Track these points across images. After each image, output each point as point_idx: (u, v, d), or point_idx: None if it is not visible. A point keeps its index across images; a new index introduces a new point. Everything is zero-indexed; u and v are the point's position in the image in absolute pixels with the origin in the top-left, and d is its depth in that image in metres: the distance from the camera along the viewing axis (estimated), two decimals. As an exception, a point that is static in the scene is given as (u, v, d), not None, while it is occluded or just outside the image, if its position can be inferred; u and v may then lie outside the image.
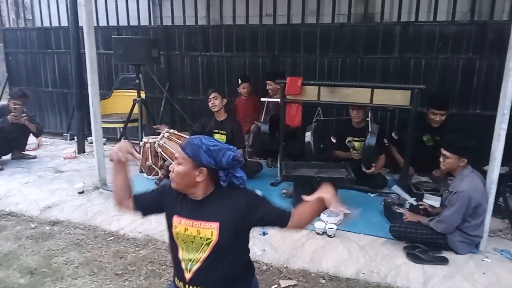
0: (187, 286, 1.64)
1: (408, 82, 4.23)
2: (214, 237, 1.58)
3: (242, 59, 5.22)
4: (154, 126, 4.45)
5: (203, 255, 1.61)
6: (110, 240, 2.99)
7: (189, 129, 4.50)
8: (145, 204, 1.76)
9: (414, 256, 2.66)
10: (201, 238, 1.60)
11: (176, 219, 1.64)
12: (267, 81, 4.56)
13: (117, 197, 1.78)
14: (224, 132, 4.20)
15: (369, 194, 3.80)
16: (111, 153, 1.72)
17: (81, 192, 3.80)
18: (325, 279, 2.50)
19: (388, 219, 3.14)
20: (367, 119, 3.68)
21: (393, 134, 4.11)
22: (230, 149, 1.58)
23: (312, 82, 3.77)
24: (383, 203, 3.43)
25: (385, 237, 2.92)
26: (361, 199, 3.70)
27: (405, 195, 3.19)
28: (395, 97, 3.46)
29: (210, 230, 1.59)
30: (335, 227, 2.97)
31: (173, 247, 1.68)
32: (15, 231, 3.13)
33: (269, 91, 4.55)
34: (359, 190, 3.83)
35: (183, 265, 1.64)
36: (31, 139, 5.06)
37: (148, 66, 5.29)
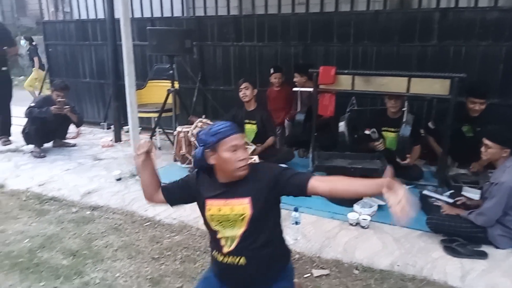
0: (226, 256, 1.70)
1: (447, 71, 4.03)
2: (248, 211, 1.65)
3: (274, 49, 5.19)
4: (189, 118, 4.53)
5: (240, 230, 1.67)
6: (146, 225, 3.09)
7: (221, 119, 4.53)
8: (173, 196, 1.84)
9: (451, 249, 2.59)
10: (235, 215, 1.66)
11: (208, 202, 1.71)
12: (295, 73, 4.53)
13: (147, 193, 1.88)
14: (255, 122, 4.22)
15: (404, 185, 3.71)
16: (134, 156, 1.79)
17: (119, 179, 3.93)
18: (358, 270, 2.49)
19: (425, 212, 3.06)
20: (403, 109, 3.58)
21: (429, 124, 3.99)
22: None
23: (346, 71, 3.71)
24: (419, 195, 3.35)
25: (421, 229, 2.85)
26: (396, 191, 3.62)
27: (438, 196, 3.11)
28: (434, 86, 3.35)
29: (242, 206, 1.65)
30: (369, 218, 2.93)
31: (210, 230, 1.74)
32: (57, 215, 3.28)
33: (296, 83, 4.52)
34: (394, 181, 3.75)
35: (222, 242, 1.70)
36: (71, 127, 5.27)
37: (181, 56, 5.36)
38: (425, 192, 3.22)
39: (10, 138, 5.28)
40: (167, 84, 4.99)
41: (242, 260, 1.69)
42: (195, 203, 1.80)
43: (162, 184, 1.86)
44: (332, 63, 4.65)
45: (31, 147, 4.78)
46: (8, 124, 5.28)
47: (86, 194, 3.65)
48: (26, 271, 2.47)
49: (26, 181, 3.97)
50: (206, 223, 1.77)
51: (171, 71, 4.74)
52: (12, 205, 3.46)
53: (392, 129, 3.80)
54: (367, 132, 3.97)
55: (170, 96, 4.77)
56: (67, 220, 3.18)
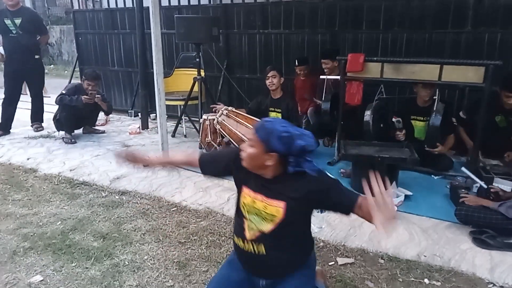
0: (246, 241, 1.72)
1: (481, 59, 3.91)
2: (280, 215, 1.63)
3: (301, 36, 5.12)
4: (211, 106, 4.54)
5: (266, 228, 1.67)
6: (173, 210, 3.15)
7: (246, 107, 4.55)
8: (209, 168, 1.85)
9: (481, 241, 2.52)
10: (267, 213, 1.65)
11: (245, 190, 1.70)
12: (323, 60, 4.45)
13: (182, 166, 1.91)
14: (280, 110, 4.20)
15: (432, 176, 3.64)
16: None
17: (146, 165, 3.99)
18: (383, 259, 2.47)
19: (454, 203, 2.98)
20: (434, 97, 3.49)
21: (461, 114, 3.87)
22: (301, 137, 1.54)
23: (375, 58, 3.63)
24: (448, 186, 3.28)
25: (450, 220, 2.78)
26: (424, 181, 3.55)
27: (475, 177, 3.02)
28: (467, 74, 3.24)
29: (276, 208, 1.63)
30: (395, 208, 2.88)
31: (239, 212, 1.75)
32: (88, 198, 3.39)
33: (325, 70, 4.44)
34: (422, 171, 3.67)
35: (246, 226, 1.71)
36: (100, 115, 5.39)
37: (207, 44, 5.38)
38: (463, 168, 3.13)
39: (43, 124, 5.46)
40: (193, 72, 5.02)
41: (262, 249, 1.69)
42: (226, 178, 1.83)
43: (200, 155, 1.86)
44: (360, 50, 4.55)
45: (62, 133, 4.94)
46: (41, 110, 5.45)
47: (115, 179, 3.74)
48: (59, 252, 2.58)
49: (58, 166, 4.11)
50: (238, 203, 1.78)
51: (197, 59, 4.77)
52: (45, 188, 3.59)
53: (421, 118, 3.71)
54: (394, 120, 3.90)
55: (196, 84, 4.81)
56: (97, 204, 3.28)
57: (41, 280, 2.29)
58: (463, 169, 3.08)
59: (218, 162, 1.83)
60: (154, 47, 3.74)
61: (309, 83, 4.77)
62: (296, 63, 4.76)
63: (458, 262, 2.39)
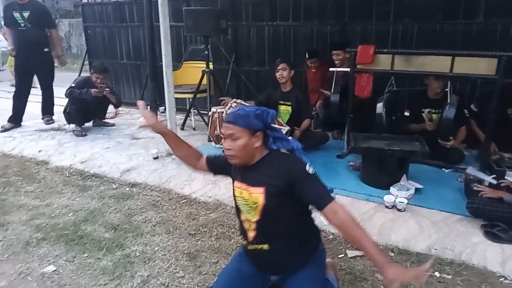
0: (250, 243, 1.77)
1: (493, 50, 3.85)
2: (261, 201, 1.67)
3: (310, 28, 5.09)
4: (220, 98, 4.54)
5: (255, 218, 1.72)
6: (183, 202, 3.17)
7: (254, 99, 4.54)
8: (217, 166, 1.90)
9: (492, 234, 2.50)
10: (252, 201, 1.70)
11: (235, 183, 1.78)
12: (333, 51, 4.41)
13: (189, 163, 1.96)
14: (290, 103, 4.17)
15: (443, 169, 3.61)
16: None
17: (156, 158, 4.03)
18: (394, 252, 2.46)
19: (468, 196, 2.95)
20: (446, 89, 3.45)
21: (472, 106, 3.82)
22: (264, 110, 1.69)
23: (386, 50, 3.59)
24: (460, 180, 3.25)
25: (461, 214, 2.76)
26: (434, 174, 3.52)
27: (482, 175, 2.99)
28: (479, 66, 3.19)
29: (257, 195, 1.68)
30: (405, 201, 2.87)
31: (237, 209, 1.82)
32: (99, 190, 3.43)
33: (336, 61, 4.40)
34: (432, 164, 3.64)
35: (245, 225, 1.77)
36: (110, 108, 5.42)
37: (216, 37, 5.36)
38: (468, 170, 3.11)
39: (53, 117, 5.50)
40: (201, 65, 5.02)
41: (266, 247, 1.73)
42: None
43: (207, 155, 1.92)
44: (370, 42, 4.50)
45: (72, 126, 4.98)
46: (51, 103, 5.50)
47: (125, 171, 3.77)
48: (71, 243, 2.61)
49: (69, 158, 4.15)
50: (234, 200, 1.83)
51: (206, 52, 4.76)
52: (57, 180, 3.64)
53: (433, 111, 3.67)
54: (406, 113, 3.86)
55: (205, 77, 4.80)
56: (108, 196, 3.31)
57: (54, 270, 2.33)
58: (470, 168, 3.05)
59: (223, 161, 1.85)
60: (163, 40, 3.75)
61: (320, 74, 4.74)
62: (307, 55, 4.73)
63: (469, 256, 2.38)
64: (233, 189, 1.79)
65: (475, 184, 2.94)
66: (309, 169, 1.62)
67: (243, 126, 1.62)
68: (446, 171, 3.58)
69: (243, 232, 1.81)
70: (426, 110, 3.65)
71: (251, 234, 1.75)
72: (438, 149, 3.54)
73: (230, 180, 1.83)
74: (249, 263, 1.87)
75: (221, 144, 4.29)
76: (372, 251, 1.47)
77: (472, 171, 3.10)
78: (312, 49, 4.85)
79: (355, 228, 1.51)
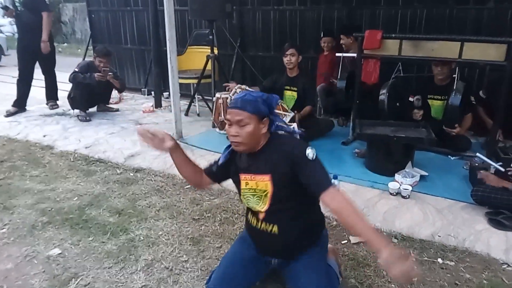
0: (260, 222, 1.78)
1: (504, 36, 3.78)
2: (269, 188, 1.66)
3: (317, 12, 5.01)
4: (224, 84, 4.50)
5: (265, 206, 1.70)
6: (187, 188, 3.18)
7: (259, 85, 4.50)
8: (217, 176, 1.90)
9: (497, 222, 2.48)
10: (260, 190, 1.69)
11: (240, 176, 1.75)
12: (341, 36, 4.35)
13: (194, 183, 1.97)
14: (295, 89, 4.12)
15: (449, 156, 3.57)
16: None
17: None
18: (397, 239, 2.46)
19: (473, 184, 2.93)
20: (454, 75, 3.39)
21: (480, 93, 3.77)
22: (271, 94, 1.71)
23: (393, 35, 3.53)
24: (465, 167, 3.22)
25: (465, 201, 2.74)
26: (440, 161, 3.49)
27: (490, 161, 2.96)
28: (488, 52, 3.13)
29: (264, 182, 1.67)
30: (410, 188, 2.85)
31: (242, 201, 1.82)
32: (103, 175, 3.44)
33: (343, 46, 4.34)
34: (439, 152, 3.61)
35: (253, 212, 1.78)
36: (114, 93, 5.41)
37: (220, 21, 5.30)
38: (478, 155, 3.08)
39: (58, 102, 5.51)
40: (206, 50, 4.98)
41: (275, 229, 1.73)
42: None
43: (204, 168, 1.90)
44: (378, 27, 4.44)
45: (77, 111, 4.98)
46: (55, 88, 5.49)
47: (130, 156, 3.78)
48: (76, 227, 2.63)
49: (74, 143, 4.16)
50: (239, 195, 1.82)
51: (210, 37, 4.71)
52: (62, 165, 3.65)
53: (439, 97, 3.63)
54: (411, 99, 3.81)
55: (209, 62, 4.76)
56: (112, 181, 3.32)
57: (59, 253, 2.35)
58: (478, 154, 3.02)
59: (221, 168, 1.84)
60: (167, 24, 3.70)
61: (329, 58, 4.67)
62: (322, 34, 4.66)
63: (472, 243, 2.37)
64: (239, 184, 1.76)
65: (482, 171, 2.92)
66: (310, 152, 1.60)
67: (252, 112, 1.59)
68: (452, 158, 3.55)
69: (252, 213, 1.81)
70: (415, 98, 3.60)
71: (261, 216, 1.75)
72: (445, 137, 3.50)
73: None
74: (251, 247, 1.88)
75: (225, 130, 4.29)
76: (369, 236, 1.43)
77: (481, 156, 3.07)
78: (328, 28, 4.76)
79: (351, 214, 1.48)
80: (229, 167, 1.81)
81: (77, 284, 2.09)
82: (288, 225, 1.73)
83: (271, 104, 1.67)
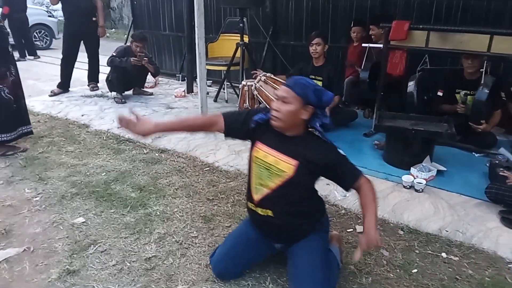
0: (256, 207, 1.84)
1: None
2: (290, 172, 1.71)
3: (349, 1, 4.95)
4: (252, 71, 4.58)
5: (273, 184, 1.74)
6: (206, 170, 3.32)
7: (287, 73, 4.54)
8: (235, 130, 1.87)
9: (509, 221, 2.43)
10: (277, 168, 1.73)
11: (259, 145, 1.80)
12: (371, 26, 4.28)
13: (197, 131, 2.04)
14: (321, 78, 4.12)
15: (473, 153, 3.47)
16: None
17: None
18: (403, 231, 2.46)
19: (491, 180, 2.85)
20: (481, 69, 3.27)
21: (512, 89, 3.60)
22: (325, 92, 1.73)
23: (421, 26, 3.44)
24: (488, 164, 3.13)
25: (481, 199, 2.69)
26: (463, 158, 3.41)
27: None
28: (519, 46, 3.00)
29: (288, 165, 1.71)
30: (424, 182, 2.83)
31: (249, 169, 1.86)
32: (131, 154, 3.65)
33: (372, 36, 4.28)
34: (463, 148, 3.52)
35: (253, 187, 1.82)
36: (149, 77, 5.65)
37: (253, 10, 5.35)
38: (501, 150, 2.99)
39: (98, 84, 5.83)
40: (237, 37, 5.03)
41: (270, 213, 1.80)
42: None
43: (223, 114, 1.87)
44: (412, 17, 4.33)
45: (114, 93, 5.26)
46: (97, 71, 5.82)
47: (156, 138, 3.97)
48: (101, 199, 2.84)
49: (108, 123, 4.43)
50: (249, 162, 1.87)
51: (241, 24, 4.78)
52: (95, 143, 3.91)
53: (468, 92, 3.51)
54: (439, 93, 3.72)
55: (239, 50, 4.85)
56: (139, 160, 3.52)
57: (83, 222, 2.57)
58: (502, 149, 2.92)
59: (239, 115, 1.88)
60: (196, 11, 3.82)
61: (358, 49, 4.62)
62: (352, 24, 4.62)
63: (480, 240, 2.33)
64: (255, 150, 1.79)
65: (502, 169, 2.83)
66: (340, 151, 1.77)
67: (298, 94, 1.66)
68: (476, 155, 3.45)
69: (249, 194, 1.89)
70: (462, 92, 3.49)
71: (257, 198, 1.81)
72: (470, 133, 3.40)
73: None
74: (256, 229, 1.97)
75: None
76: (368, 217, 1.70)
77: (504, 151, 2.98)
78: (358, 18, 4.71)
79: (369, 197, 1.74)
80: (246, 128, 1.81)
81: (95, 250, 2.29)
82: (283, 211, 1.80)
83: (322, 97, 1.69)
